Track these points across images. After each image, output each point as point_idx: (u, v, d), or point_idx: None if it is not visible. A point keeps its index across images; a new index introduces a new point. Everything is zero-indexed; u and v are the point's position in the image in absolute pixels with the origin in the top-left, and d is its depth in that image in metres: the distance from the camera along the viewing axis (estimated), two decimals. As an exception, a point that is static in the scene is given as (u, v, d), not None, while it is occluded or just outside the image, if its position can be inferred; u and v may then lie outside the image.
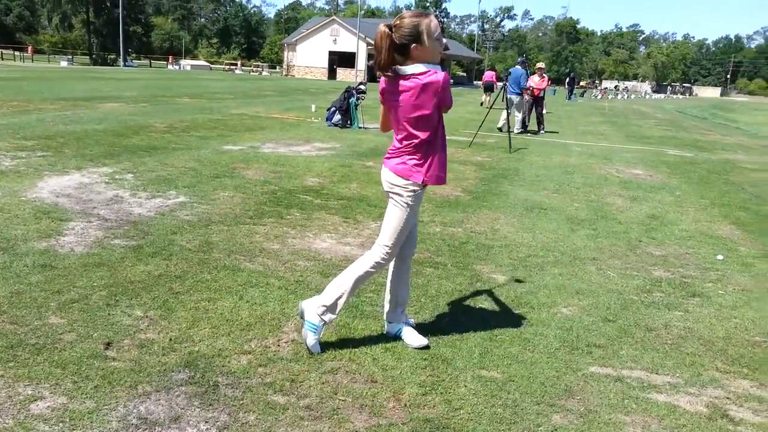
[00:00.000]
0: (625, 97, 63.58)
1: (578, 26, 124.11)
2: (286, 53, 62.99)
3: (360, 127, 13.68)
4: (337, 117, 13.68)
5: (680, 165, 11.82)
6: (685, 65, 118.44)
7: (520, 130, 15.48)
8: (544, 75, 16.09)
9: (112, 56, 65.83)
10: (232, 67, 70.51)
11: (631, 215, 6.88)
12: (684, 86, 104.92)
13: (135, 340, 3.02)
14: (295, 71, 60.36)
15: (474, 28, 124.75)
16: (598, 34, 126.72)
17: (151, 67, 64.05)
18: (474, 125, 15.26)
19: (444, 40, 2.92)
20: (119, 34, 57.92)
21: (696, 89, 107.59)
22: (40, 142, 8.66)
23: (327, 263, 4.45)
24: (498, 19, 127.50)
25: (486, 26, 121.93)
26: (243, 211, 5.73)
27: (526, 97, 15.54)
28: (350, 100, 13.63)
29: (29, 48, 58.32)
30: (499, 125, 15.38)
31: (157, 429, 2.34)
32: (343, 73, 56.78)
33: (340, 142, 11.23)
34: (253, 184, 6.97)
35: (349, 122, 13.66)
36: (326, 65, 58.40)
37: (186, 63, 67.68)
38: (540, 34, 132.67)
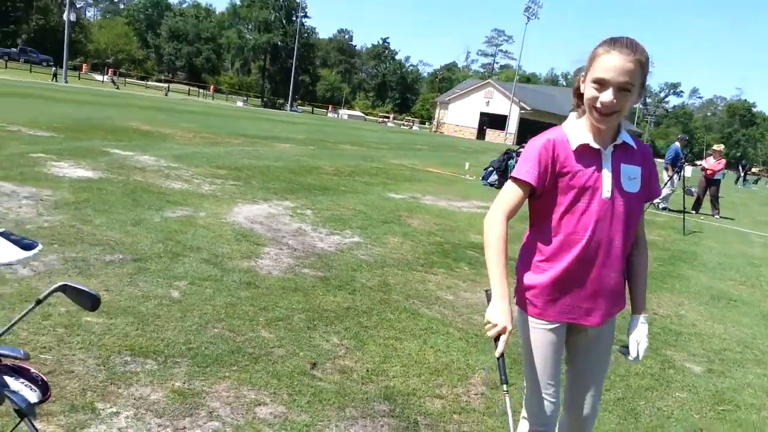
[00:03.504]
0: (805, 187, 57.01)
1: (754, 109, 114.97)
2: (438, 110, 65.03)
3: (516, 190, 13.62)
4: (494, 177, 13.77)
5: None
6: None
7: (664, 206, 14.55)
8: (721, 158, 15.05)
9: (281, 101, 72.11)
10: (384, 119, 74.04)
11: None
12: None
13: (336, 365, 3.22)
14: (445, 128, 61.93)
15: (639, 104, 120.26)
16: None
17: (312, 113, 69.26)
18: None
19: None
20: (289, 81, 63.60)
21: None
22: (231, 173, 9.66)
23: (503, 321, 4.44)
24: (662, 95, 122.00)
25: (648, 100, 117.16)
26: (414, 258, 5.93)
27: (671, 174, 14.59)
28: (509, 162, 13.68)
29: (211, 87, 65.77)
30: (660, 203, 14.54)
31: (367, 454, 2.45)
32: (492, 135, 57.24)
33: (498, 202, 11.25)
34: (419, 233, 7.19)
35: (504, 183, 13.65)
36: (476, 125, 59.31)
37: (343, 112, 72.25)
38: (708, 114, 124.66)
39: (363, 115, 73.37)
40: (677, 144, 14.77)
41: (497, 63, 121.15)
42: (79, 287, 1.41)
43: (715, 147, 15.32)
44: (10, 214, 5.04)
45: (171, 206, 6.40)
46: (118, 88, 44.31)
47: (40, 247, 1.26)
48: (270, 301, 4.05)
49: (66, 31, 39.77)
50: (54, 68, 42.78)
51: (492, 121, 58.18)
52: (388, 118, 76.48)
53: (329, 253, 5.63)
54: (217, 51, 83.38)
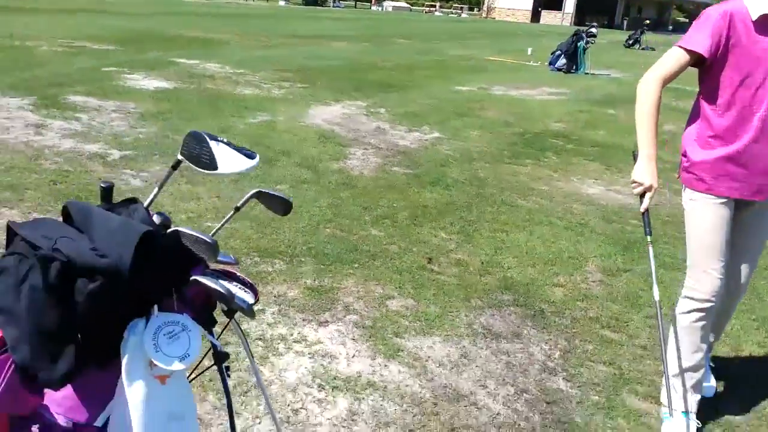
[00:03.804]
0: None
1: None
2: (487, -6, 61.23)
3: (586, 73, 12.95)
4: (562, 61, 13.09)
5: None
6: None
7: None
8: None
9: (322, -4, 69.47)
10: (431, 8, 70.55)
11: None
12: None
13: (450, 259, 3.27)
14: (496, 13, 58.56)
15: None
16: None
17: (356, 8, 66.60)
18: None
19: None
20: (331, -26, 60.75)
21: None
22: (295, 75, 9.52)
23: (604, 209, 4.36)
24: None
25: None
26: (498, 150, 5.81)
27: None
28: (579, 44, 12.91)
29: (252, -12, 63.80)
30: None
31: (502, 341, 2.53)
32: (547, 16, 53.82)
33: (569, 87, 10.76)
34: (497, 125, 7.00)
35: (574, 67, 12.99)
36: (530, 7, 55.68)
37: (388, 4, 69.12)
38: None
39: (408, 5, 70.06)
40: None
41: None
42: (273, 193, 1.43)
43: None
44: (105, 128, 5.18)
45: (250, 112, 6.42)
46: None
47: (257, 157, 1.27)
48: (370, 200, 4.09)
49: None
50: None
51: (547, 2, 54.41)
52: (434, 6, 72.77)
53: (413, 150, 5.58)
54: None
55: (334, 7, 60.58)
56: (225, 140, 1.28)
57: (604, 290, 3.07)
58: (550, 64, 13.44)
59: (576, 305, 2.88)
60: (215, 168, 1.24)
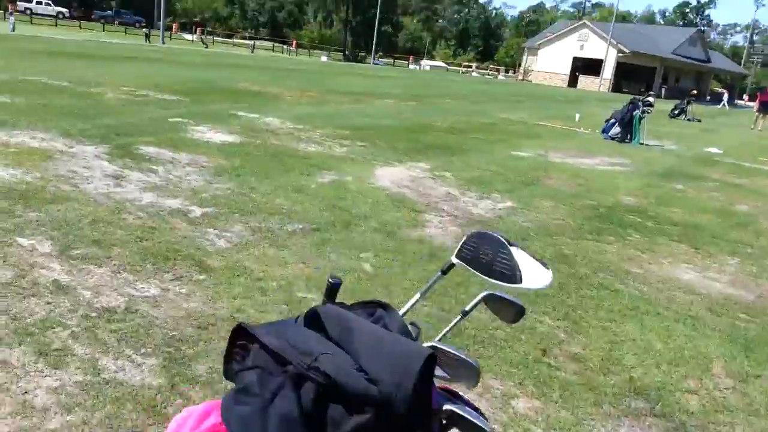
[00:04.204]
0: None
1: None
2: (525, 57, 62.21)
3: (641, 144, 12.76)
4: (616, 130, 12.94)
5: None
6: None
7: None
8: None
9: (362, 53, 71.51)
10: (469, 69, 71.93)
11: None
12: None
13: (564, 352, 3.02)
14: (532, 76, 59.29)
15: (739, 39, 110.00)
16: None
17: (394, 65, 68.32)
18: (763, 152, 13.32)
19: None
20: (371, 32, 62.67)
21: None
22: (354, 133, 9.52)
23: (708, 299, 4.07)
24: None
25: (756, 38, 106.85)
26: (576, 225, 5.58)
27: None
28: (635, 113, 12.78)
29: (293, 42, 65.98)
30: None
31: (651, 461, 2.24)
32: (585, 81, 54.25)
33: (628, 158, 10.55)
34: (566, 196, 6.80)
35: (629, 137, 12.82)
36: (568, 72, 56.28)
37: (425, 63, 70.84)
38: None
39: (445, 65, 71.65)
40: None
41: (589, 1, 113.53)
42: (506, 297, 1.25)
43: None
44: (182, 183, 5.13)
45: (318, 170, 6.35)
46: (207, 47, 45.29)
47: (549, 270, 1.10)
48: (460, 274, 3.88)
49: (160, -8, 40.80)
50: (146, 29, 44.24)
51: (585, 67, 54.95)
52: (470, 67, 74.21)
53: (489, 220, 5.40)
54: (299, 4, 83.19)
55: (374, 63, 62.22)
56: (517, 244, 1.10)
57: (741, 400, 2.76)
58: (604, 131, 13.30)
59: (717, 418, 2.58)
60: (517, 281, 1.04)
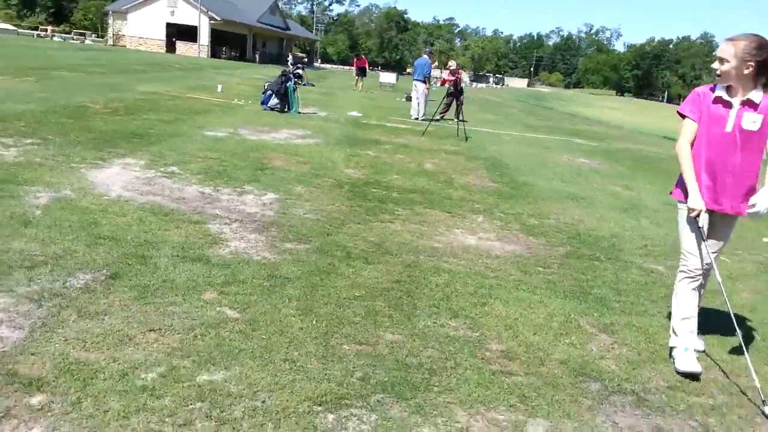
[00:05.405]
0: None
1: (406, 16, 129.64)
2: (111, 21, 56.95)
3: (299, 113, 13.38)
4: (275, 101, 13.22)
5: (606, 153, 13.30)
6: (498, 57, 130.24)
7: (424, 117, 15.95)
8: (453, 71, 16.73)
9: None
10: (46, 33, 61.93)
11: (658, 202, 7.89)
12: (497, 77, 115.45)
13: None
14: (126, 41, 54.93)
15: (301, 9, 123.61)
16: (420, 24, 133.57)
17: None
18: (382, 112, 15.79)
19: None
20: None
21: (507, 80, 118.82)
22: (3, 127, 7.26)
23: (513, 261, 4.66)
24: (327, 3, 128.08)
25: (315, 8, 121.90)
26: (349, 209, 5.57)
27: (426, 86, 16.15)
28: (288, 84, 13.25)
29: None
30: (415, 113, 15.90)
31: None
32: (183, 47, 53.04)
33: (304, 129, 10.89)
34: (309, 177, 6.69)
35: (287, 107, 13.28)
36: (164, 37, 54.01)
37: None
38: (366, 20, 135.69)
39: (15, 28, 60.10)
40: (425, 56, 16.25)
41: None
42: None
43: (450, 63, 17.22)
44: None
45: (15, 187, 4.67)
46: None
47: None
48: (305, 295, 3.49)
49: None
50: None
51: (180, 33, 53.67)
52: (46, 30, 64.08)
53: (275, 218, 4.95)
54: None
55: None
56: None
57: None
58: (263, 103, 13.44)
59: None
60: None
